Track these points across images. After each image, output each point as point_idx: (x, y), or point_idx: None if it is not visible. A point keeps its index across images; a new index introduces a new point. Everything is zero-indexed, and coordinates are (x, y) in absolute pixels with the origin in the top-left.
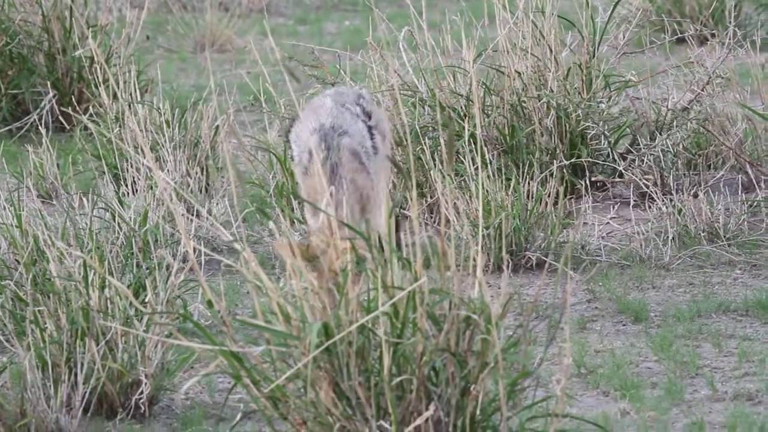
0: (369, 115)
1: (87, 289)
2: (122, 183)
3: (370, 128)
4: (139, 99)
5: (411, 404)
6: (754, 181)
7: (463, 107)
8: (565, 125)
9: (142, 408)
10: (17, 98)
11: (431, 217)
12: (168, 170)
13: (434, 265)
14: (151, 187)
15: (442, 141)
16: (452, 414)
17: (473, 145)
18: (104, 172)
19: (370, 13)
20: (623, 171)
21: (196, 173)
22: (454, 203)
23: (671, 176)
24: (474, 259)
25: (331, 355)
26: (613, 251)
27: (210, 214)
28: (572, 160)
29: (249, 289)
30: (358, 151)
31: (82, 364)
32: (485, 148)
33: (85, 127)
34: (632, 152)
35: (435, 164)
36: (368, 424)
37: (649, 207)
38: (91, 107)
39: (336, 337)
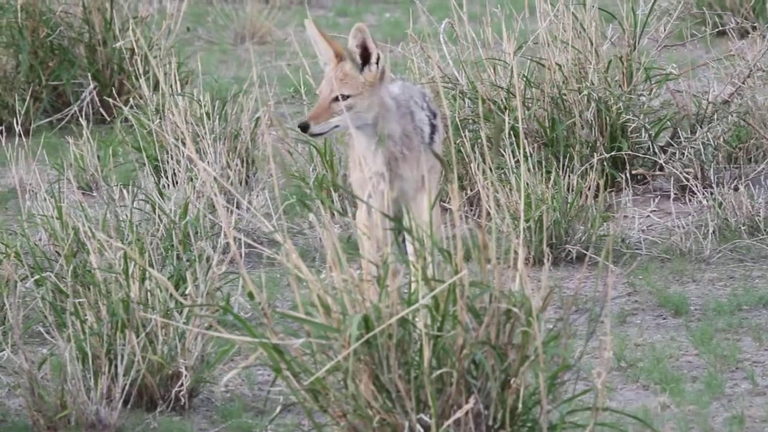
0: (434, 114)
1: (127, 280)
2: (162, 175)
3: (433, 126)
4: (179, 91)
5: (451, 397)
6: None
7: (504, 100)
8: (606, 118)
9: (182, 400)
10: (58, 90)
11: (472, 210)
12: (208, 162)
13: (475, 258)
14: (192, 179)
15: (483, 134)
16: (492, 407)
17: (514, 138)
18: (144, 164)
19: (411, 5)
20: (664, 164)
21: (237, 165)
22: (495, 196)
23: (712, 169)
24: (515, 252)
25: (371, 347)
26: (653, 244)
27: (250, 206)
28: (612, 153)
29: (289, 281)
30: (412, 137)
31: (122, 356)
32: (526, 141)
33: (126, 119)
34: (673, 145)
35: (476, 157)
36: (408, 416)
37: (690, 200)
38: (131, 99)
39: (376, 330)
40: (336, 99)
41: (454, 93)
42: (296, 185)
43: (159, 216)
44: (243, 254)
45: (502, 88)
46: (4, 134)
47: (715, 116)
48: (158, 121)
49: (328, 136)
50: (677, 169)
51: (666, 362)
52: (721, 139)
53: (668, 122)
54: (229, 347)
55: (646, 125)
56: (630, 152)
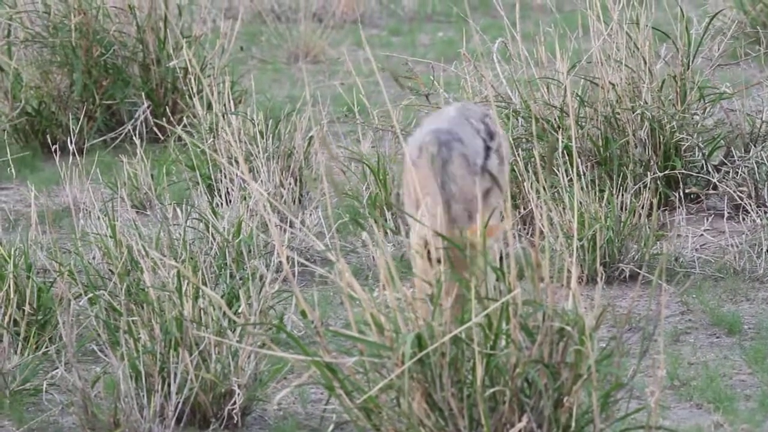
0: (492, 136)
1: (181, 299)
2: (216, 194)
3: (488, 148)
4: (233, 110)
5: (504, 416)
6: None
7: (557, 119)
8: (659, 137)
9: (235, 418)
10: (112, 109)
11: (525, 229)
12: (261, 181)
13: (528, 277)
14: (245, 198)
15: (536, 153)
16: (545, 426)
17: (567, 157)
18: (198, 183)
19: (464, 24)
20: (717, 183)
21: (290, 184)
22: (548, 215)
23: (766, 188)
24: (568, 271)
25: (424, 366)
26: (706, 263)
27: (303, 225)
28: (666, 172)
29: (342, 300)
30: (470, 161)
31: (176, 374)
32: (579, 160)
33: (179, 138)
34: (726, 164)
35: (529, 176)
36: None
37: (743, 219)
38: (185, 118)
39: (429, 348)
40: None
41: (507, 112)
42: (349, 204)
43: (212, 234)
44: (296, 273)
45: (555, 107)
46: (59, 153)
47: None
48: (211, 140)
49: None
50: (731, 188)
51: (719, 381)
52: None
53: (722, 141)
54: (282, 365)
55: (700, 144)
56: (683, 171)
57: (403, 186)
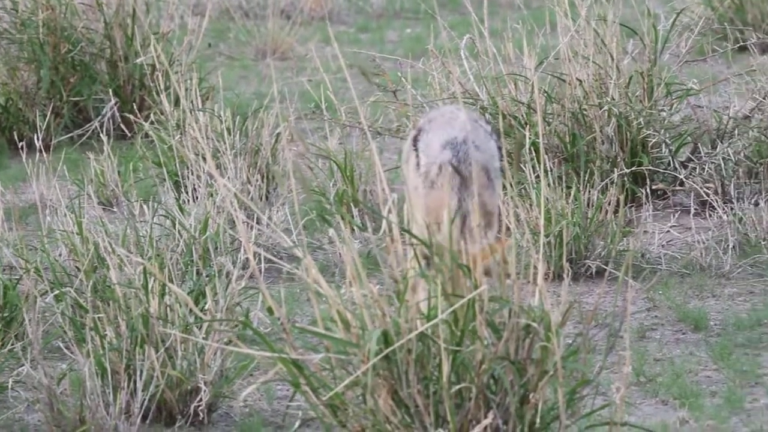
0: (498, 134)
1: (147, 296)
2: (183, 190)
3: (500, 148)
4: (200, 106)
5: (470, 412)
6: None
7: (524, 115)
8: (626, 133)
9: (201, 415)
10: (79, 105)
11: None
12: (229, 177)
13: (494, 273)
14: (212, 195)
15: (504, 149)
16: (511, 422)
17: (534, 153)
18: (165, 180)
19: (432, 20)
20: (684, 179)
21: (257, 180)
22: (515, 211)
23: (732, 184)
24: (534, 267)
25: (390, 363)
26: (673, 260)
27: (270, 222)
28: (633, 168)
29: (309, 297)
30: (489, 168)
31: (142, 372)
32: (546, 156)
33: (147, 135)
34: (693, 160)
35: None
36: (427, 431)
37: (710, 215)
38: (152, 114)
39: (395, 345)
40: None
41: (474, 108)
42: (316, 200)
43: (179, 231)
44: (263, 269)
45: (522, 103)
46: (25, 150)
47: (736, 131)
48: (179, 136)
49: None
50: (697, 185)
51: (685, 377)
52: (742, 155)
53: (689, 137)
54: (248, 362)
55: (667, 140)
56: (650, 167)
57: (419, 199)
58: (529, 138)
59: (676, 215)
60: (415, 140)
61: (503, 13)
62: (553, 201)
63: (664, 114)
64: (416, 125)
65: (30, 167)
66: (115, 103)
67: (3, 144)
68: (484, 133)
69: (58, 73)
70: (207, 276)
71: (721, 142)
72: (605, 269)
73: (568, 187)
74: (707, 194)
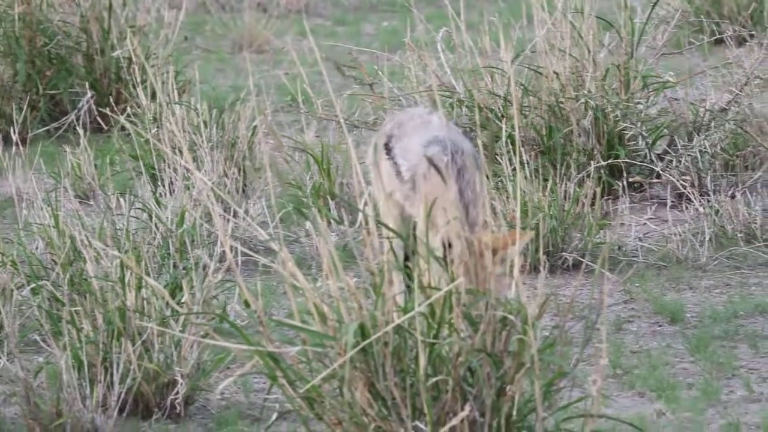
0: (467, 135)
1: (124, 289)
2: (159, 183)
3: (476, 147)
4: (176, 99)
5: (446, 405)
6: None
7: (501, 108)
8: (603, 126)
9: (178, 408)
10: (55, 99)
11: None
12: (205, 171)
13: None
14: (188, 188)
15: (480, 142)
16: (488, 414)
17: (511, 146)
18: (141, 173)
19: (408, 13)
20: (660, 172)
21: (233, 174)
22: (492, 204)
23: (708, 177)
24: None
25: (367, 355)
26: (649, 252)
27: (247, 215)
28: (609, 161)
29: (285, 290)
30: (476, 157)
31: (118, 364)
32: (522, 149)
33: (123, 128)
34: (670, 153)
35: None
36: (404, 424)
37: (686, 208)
38: (128, 108)
39: (372, 338)
40: None
41: (451, 101)
42: (293, 193)
43: (156, 225)
44: (239, 262)
45: (499, 96)
46: (1, 143)
47: (712, 124)
48: (155, 129)
49: None
50: (674, 177)
51: (662, 369)
52: (718, 147)
53: (665, 130)
54: (225, 355)
55: (643, 133)
56: (627, 160)
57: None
58: (506, 131)
59: (653, 208)
60: (388, 148)
61: (480, 5)
62: (530, 193)
63: (640, 107)
64: (382, 130)
65: (6, 160)
66: (92, 97)
67: None
68: (458, 133)
69: (35, 66)
70: (184, 269)
71: (698, 135)
72: (582, 262)
73: (545, 180)
74: (684, 187)
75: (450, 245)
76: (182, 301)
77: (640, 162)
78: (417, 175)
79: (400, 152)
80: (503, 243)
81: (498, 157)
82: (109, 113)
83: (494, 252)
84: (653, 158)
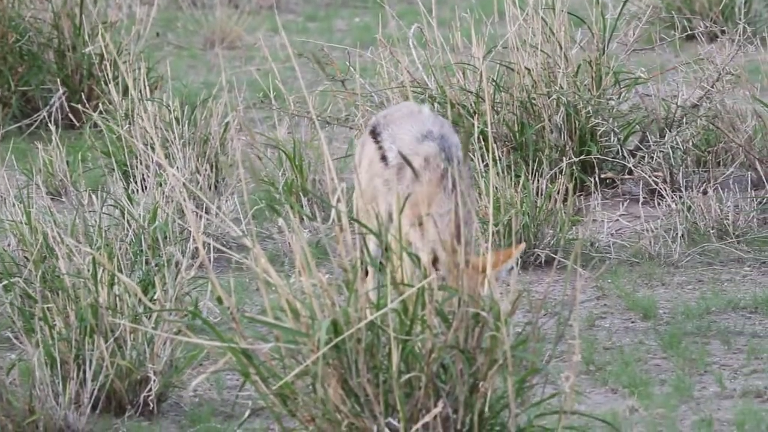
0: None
1: (96, 286)
2: (132, 180)
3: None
4: (148, 96)
5: (419, 401)
6: (763, 178)
7: (473, 104)
8: (575, 122)
9: (151, 405)
10: (27, 95)
11: None
12: (177, 167)
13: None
14: (161, 184)
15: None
16: (460, 411)
17: (483, 142)
18: (114, 169)
19: (380, 9)
20: (633, 168)
21: (206, 170)
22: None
23: (680, 173)
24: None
25: (339, 352)
26: (622, 248)
27: (219, 211)
28: (582, 157)
29: (258, 286)
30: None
31: (91, 361)
32: (495, 145)
33: (95, 124)
34: (642, 149)
35: None
36: (376, 420)
37: (659, 204)
38: (100, 104)
39: (345, 334)
40: None
41: (423, 97)
42: (265, 190)
43: (128, 221)
44: (212, 259)
45: (471, 92)
46: None
47: (684, 120)
48: (127, 126)
49: None
50: (646, 173)
51: (634, 366)
52: (690, 143)
53: (637, 126)
54: (197, 352)
55: (615, 129)
56: (599, 156)
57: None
58: (478, 127)
59: (625, 204)
60: (375, 133)
61: (451, 2)
62: (502, 190)
63: (612, 103)
64: (369, 124)
65: None
66: (64, 93)
67: None
68: (449, 126)
69: (6, 62)
70: (156, 266)
71: (670, 131)
72: (554, 258)
73: (517, 176)
74: (656, 183)
75: (436, 260)
76: (155, 297)
77: (612, 158)
78: (404, 167)
79: (388, 137)
80: (496, 262)
81: (471, 154)
82: (81, 110)
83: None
84: (625, 154)
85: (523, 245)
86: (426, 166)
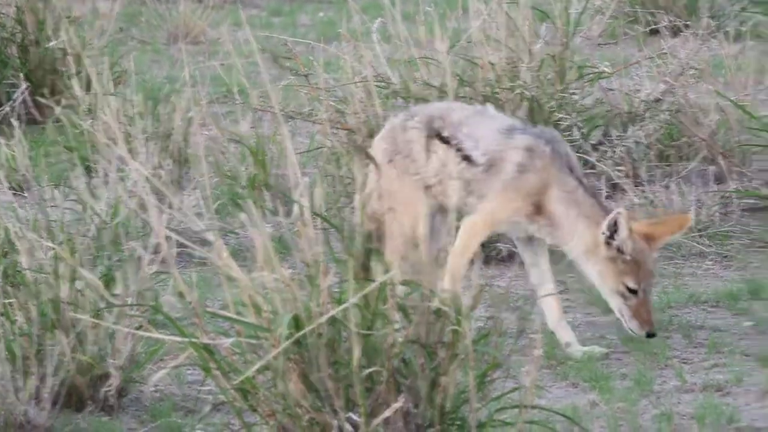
0: None
1: (57, 281)
2: (94, 175)
3: None
4: (112, 91)
5: (380, 396)
6: (725, 172)
7: (437, 99)
8: (538, 116)
9: (111, 400)
10: None
11: None
12: (140, 162)
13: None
14: (123, 179)
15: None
16: (421, 405)
17: None
18: (76, 164)
19: (344, 4)
20: (596, 162)
21: (168, 165)
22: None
23: (643, 167)
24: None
25: (301, 347)
26: None
27: (182, 206)
28: None
29: (220, 281)
30: None
31: (52, 357)
32: None
33: (58, 119)
34: (605, 143)
35: None
36: (337, 415)
37: (621, 198)
38: (63, 99)
39: (306, 329)
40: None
41: (387, 92)
42: (228, 184)
43: (90, 216)
44: (174, 254)
45: (434, 87)
46: None
47: (647, 114)
48: (90, 121)
49: None
50: (609, 168)
51: (595, 360)
52: (653, 138)
53: (600, 120)
54: (158, 347)
55: (579, 123)
56: None
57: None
58: None
59: None
60: (443, 137)
61: None
62: None
63: (575, 97)
64: (425, 128)
65: None
66: (27, 88)
67: None
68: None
69: None
70: (118, 261)
71: (633, 125)
72: (516, 253)
73: None
74: (619, 177)
75: None
76: (116, 293)
77: (575, 152)
78: (497, 160)
79: (467, 138)
80: (667, 231)
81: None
82: (45, 104)
83: (656, 239)
84: (588, 149)
85: (690, 217)
86: (532, 155)
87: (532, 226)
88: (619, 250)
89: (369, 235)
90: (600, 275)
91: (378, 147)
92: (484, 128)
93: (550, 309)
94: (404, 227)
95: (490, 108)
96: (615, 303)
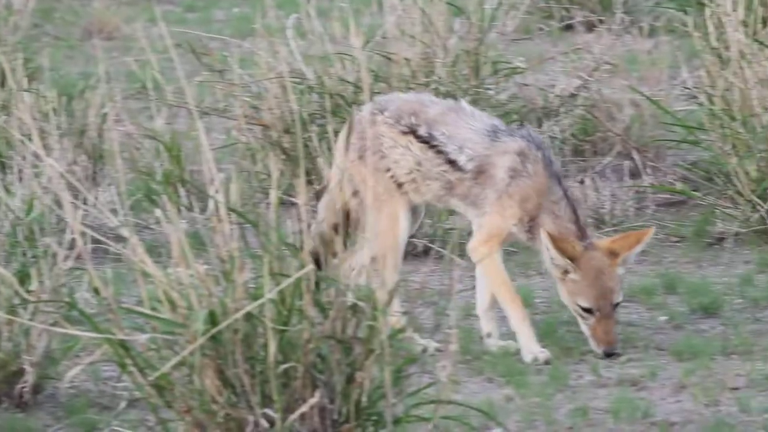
0: None
1: None
2: (8, 171)
3: None
4: (26, 86)
5: (296, 391)
6: (640, 167)
7: (352, 94)
8: None
9: (26, 397)
10: None
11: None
12: (55, 158)
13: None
14: (38, 175)
15: (330, 129)
16: (337, 401)
17: None
18: None
19: (259, 0)
20: None
21: (83, 161)
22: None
23: (558, 162)
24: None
25: (216, 342)
26: None
27: (97, 201)
28: None
29: (136, 277)
30: None
31: None
32: None
33: None
34: None
35: (323, 151)
36: (253, 411)
37: None
38: None
39: (222, 325)
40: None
41: (301, 88)
42: (143, 180)
43: (4, 212)
44: (89, 250)
45: (349, 82)
46: None
47: (562, 110)
48: (4, 117)
49: None
50: None
51: (511, 355)
52: (568, 133)
53: (515, 115)
54: (74, 343)
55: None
56: None
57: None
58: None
59: None
60: (417, 135)
61: None
62: None
63: (490, 92)
64: (399, 123)
65: None
66: None
67: None
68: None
69: None
70: (33, 257)
71: (548, 120)
72: (432, 248)
73: None
74: None
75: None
76: (31, 289)
77: None
78: (485, 165)
79: (447, 140)
80: (628, 245)
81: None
82: None
83: (618, 254)
84: None
85: (652, 229)
86: (525, 160)
87: (522, 235)
88: (565, 271)
89: (335, 227)
90: (561, 293)
91: (343, 140)
92: (466, 129)
93: (482, 295)
94: (382, 225)
95: (464, 103)
96: (578, 320)
